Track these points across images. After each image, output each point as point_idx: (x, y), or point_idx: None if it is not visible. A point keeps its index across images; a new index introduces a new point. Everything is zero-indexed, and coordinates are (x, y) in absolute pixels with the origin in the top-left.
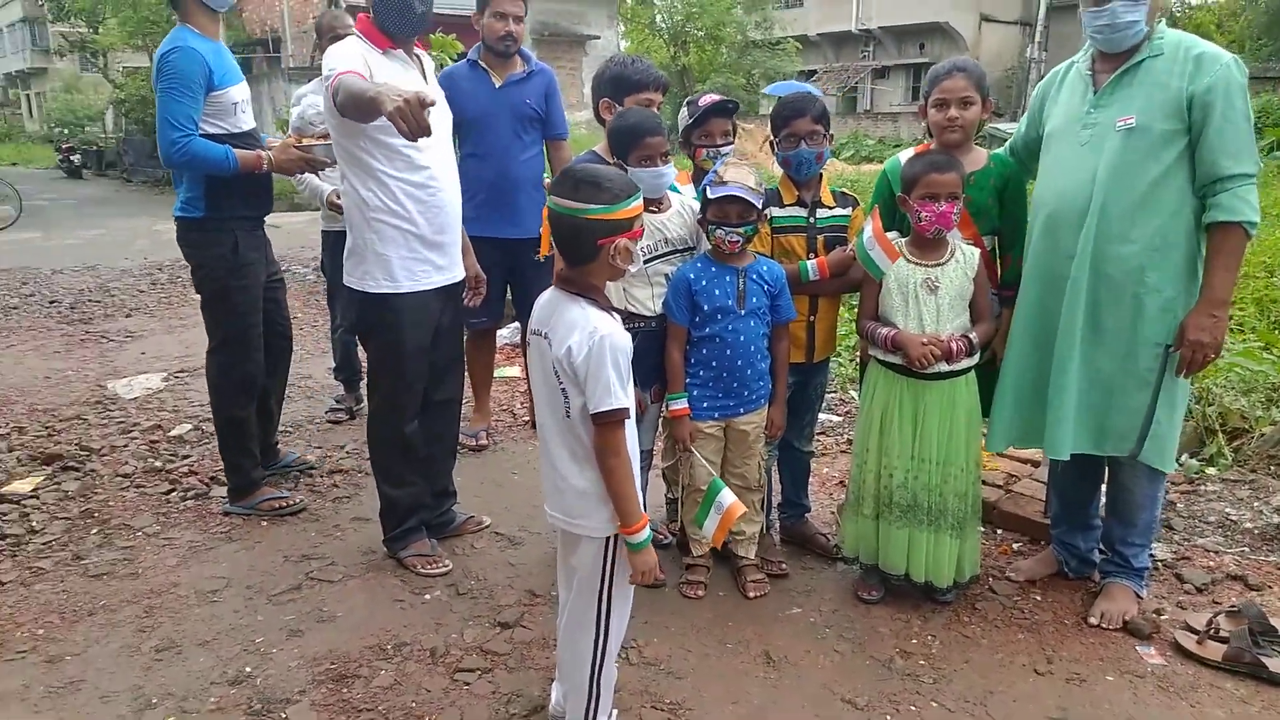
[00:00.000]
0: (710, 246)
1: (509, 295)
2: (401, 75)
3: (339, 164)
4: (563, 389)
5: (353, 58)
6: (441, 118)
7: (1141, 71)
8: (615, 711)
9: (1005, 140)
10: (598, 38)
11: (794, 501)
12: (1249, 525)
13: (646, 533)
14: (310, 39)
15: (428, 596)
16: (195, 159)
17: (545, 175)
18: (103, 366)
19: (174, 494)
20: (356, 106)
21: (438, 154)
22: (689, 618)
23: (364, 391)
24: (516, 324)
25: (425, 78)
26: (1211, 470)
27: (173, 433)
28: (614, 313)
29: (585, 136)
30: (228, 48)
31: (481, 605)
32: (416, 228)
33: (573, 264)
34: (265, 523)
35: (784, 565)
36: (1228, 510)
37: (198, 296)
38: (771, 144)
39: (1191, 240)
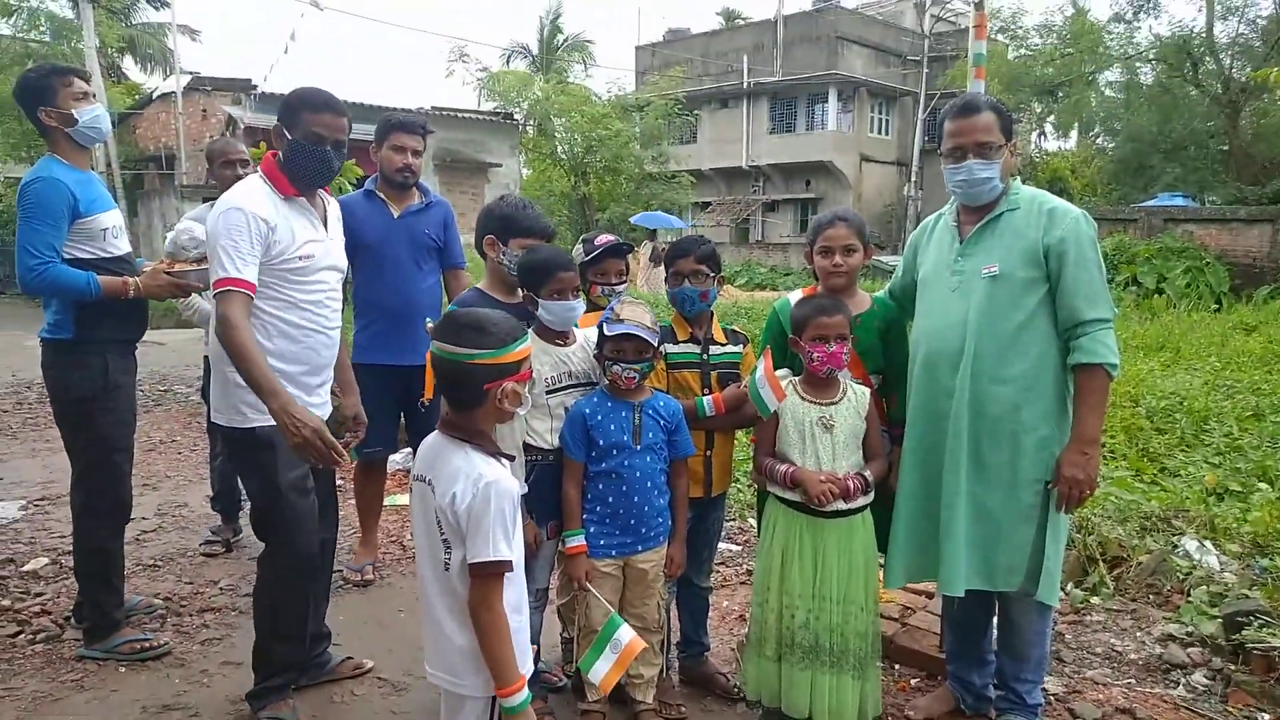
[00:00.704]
0: (608, 382)
1: (402, 421)
2: (307, 228)
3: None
4: (444, 539)
5: (241, 244)
6: (335, 259)
7: (1001, 223)
8: None
9: (889, 271)
10: (499, 165)
11: (693, 640)
12: (1133, 656)
13: (524, 695)
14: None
15: None
16: (54, 285)
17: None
18: None
19: (21, 636)
20: (246, 379)
21: (323, 293)
22: None
23: (242, 523)
24: (409, 449)
25: (326, 224)
26: (1095, 600)
27: (26, 567)
28: (502, 458)
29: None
30: (118, 164)
31: None
32: (286, 366)
33: (458, 409)
34: (123, 668)
35: (683, 709)
36: (1113, 641)
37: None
38: (666, 278)
39: (1060, 380)
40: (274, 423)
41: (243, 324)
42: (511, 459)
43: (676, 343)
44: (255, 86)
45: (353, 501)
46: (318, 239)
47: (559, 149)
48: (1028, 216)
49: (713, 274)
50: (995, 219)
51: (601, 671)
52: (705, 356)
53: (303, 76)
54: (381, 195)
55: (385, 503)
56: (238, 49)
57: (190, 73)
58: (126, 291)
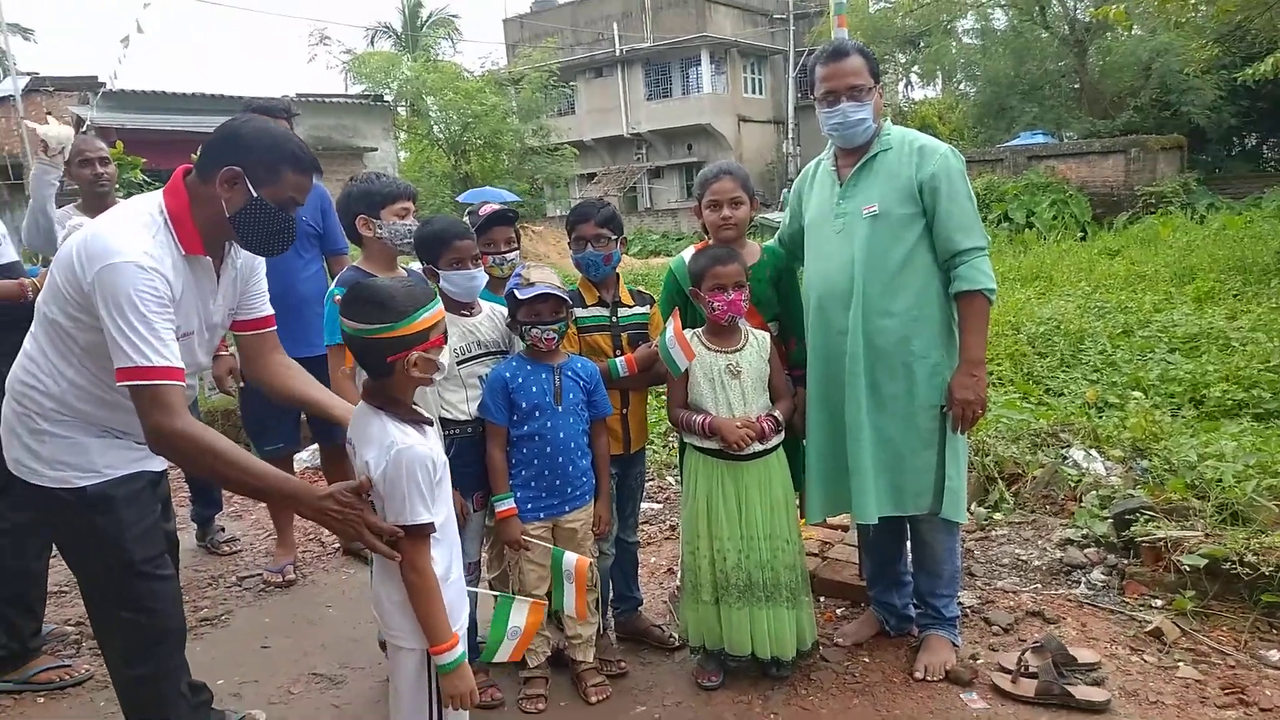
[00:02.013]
0: (524, 347)
1: (304, 416)
2: (200, 299)
3: (35, 327)
4: (370, 501)
5: (153, 315)
6: (219, 324)
7: (877, 163)
8: None
9: (774, 229)
10: (374, 149)
11: (626, 595)
12: (1038, 563)
13: (456, 653)
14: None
15: None
16: None
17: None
18: None
19: None
20: (247, 494)
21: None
22: None
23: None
24: (315, 445)
25: (220, 274)
26: (998, 516)
27: None
28: (421, 425)
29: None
30: None
31: None
32: (118, 434)
33: (373, 378)
34: (41, 698)
35: (623, 664)
36: (1018, 551)
37: None
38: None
39: (945, 309)
40: (110, 477)
41: (201, 430)
42: (430, 424)
43: (585, 306)
44: (103, 84)
45: (264, 506)
46: (211, 310)
47: (435, 128)
48: (900, 155)
49: (615, 236)
50: (871, 159)
51: (570, 603)
52: (615, 319)
53: (152, 69)
54: None
55: None
56: (77, 45)
57: (28, 73)
58: (24, 294)
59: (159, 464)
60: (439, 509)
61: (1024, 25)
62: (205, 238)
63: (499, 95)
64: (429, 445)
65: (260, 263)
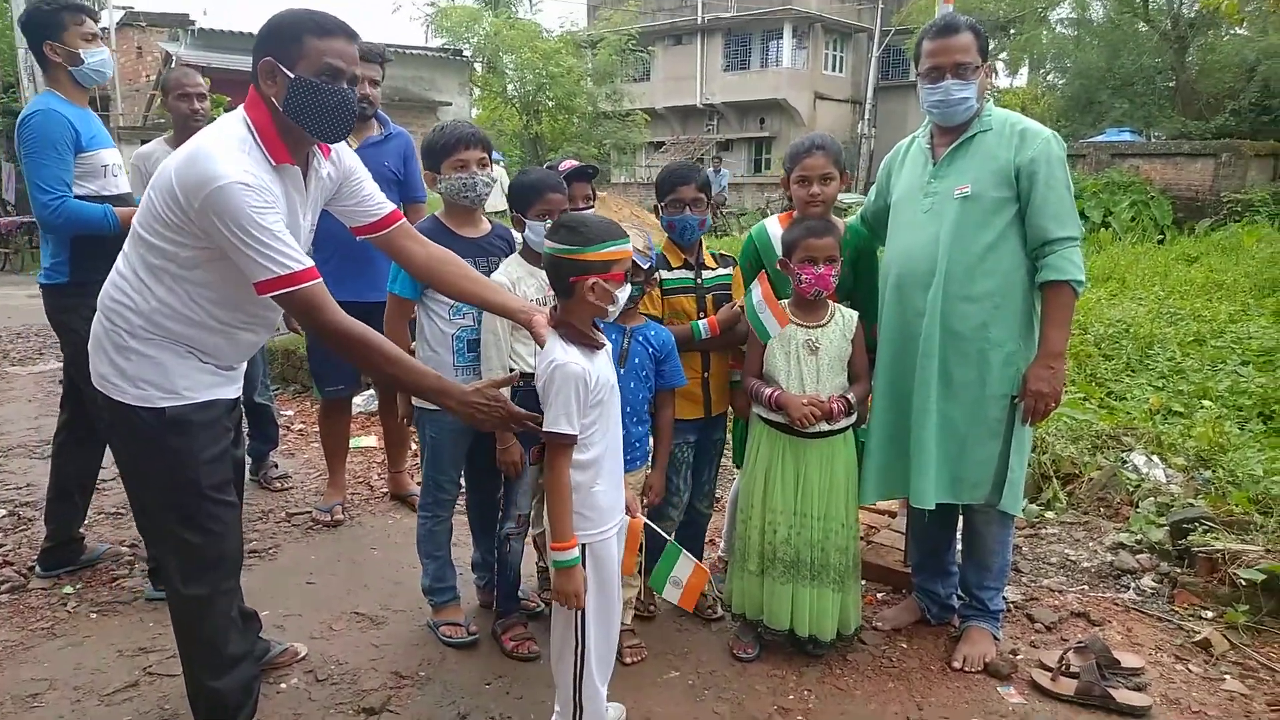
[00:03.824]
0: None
1: None
2: (292, 203)
3: (128, 246)
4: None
5: (275, 226)
6: (306, 243)
7: (974, 144)
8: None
9: (845, 209)
10: (449, 104)
11: None
12: (1086, 564)
13: (570, 554)
14: (142, 97)
15: (283, 685)
16: (72, 220)
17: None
18: None
19: None
20: (401, 388)
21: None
22: None
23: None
24: (371, 391)
25: (307, 185)
26: (1050, 514)
27: None
28: (591, 349)
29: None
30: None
31: (344, 691)
32: (201, 356)
33: (559, 298)
34: (95, 614)
35: (653, 608)
36: (1067, 551)
37: (14, 369)
38: (656, 209)
39: (1028, 298)
40: (189, 401)
41: (356, 326)
42: (600, 348)
43: (671, 269)
44: (193, 22)
45: (317, 445)
46: (300, 223)
47: (510, 87)
48: (999, 137)
49: (707, 200)
50: (969, 140)
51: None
52: (699, 281)
53: (243, 10)
54: None
55: (350, 445)
56: None
57: (122, 7)
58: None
59: (234, 391)
60: (593, 425)
61: (1123, 18)
62: (289, 145)
63: (576, 57)
64: (589, 365)
65: (354, 168)
